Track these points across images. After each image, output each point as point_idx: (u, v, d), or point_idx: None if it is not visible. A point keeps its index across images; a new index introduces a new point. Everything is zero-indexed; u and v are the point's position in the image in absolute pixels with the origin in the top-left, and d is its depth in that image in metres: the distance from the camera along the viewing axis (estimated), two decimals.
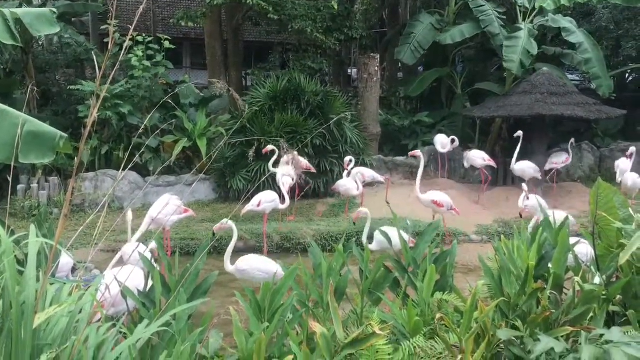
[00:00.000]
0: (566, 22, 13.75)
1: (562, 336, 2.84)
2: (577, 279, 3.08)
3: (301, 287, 3.68)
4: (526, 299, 3.02)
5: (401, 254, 3.99)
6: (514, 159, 11.78)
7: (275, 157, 10.26)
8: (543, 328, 2.95)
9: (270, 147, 10.21)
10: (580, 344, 2.70)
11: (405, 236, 6.51)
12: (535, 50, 13.00)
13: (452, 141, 12.89)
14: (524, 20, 14.04)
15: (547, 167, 12.95)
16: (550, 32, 15.22)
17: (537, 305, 3.09)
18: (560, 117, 12.31)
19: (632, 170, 11.58)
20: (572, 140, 13.21)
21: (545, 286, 3.02)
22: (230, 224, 6.13)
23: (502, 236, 3.65)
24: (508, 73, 13.99)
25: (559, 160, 12.97)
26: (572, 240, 3.89)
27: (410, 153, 10.72)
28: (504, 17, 13.97)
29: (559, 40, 15.30)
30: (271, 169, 10.21)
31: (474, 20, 13.86)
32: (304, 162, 10.58)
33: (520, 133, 11.95)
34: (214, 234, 6.48)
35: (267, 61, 15.63)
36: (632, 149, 12.24)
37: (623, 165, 11.81)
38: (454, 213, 9.37)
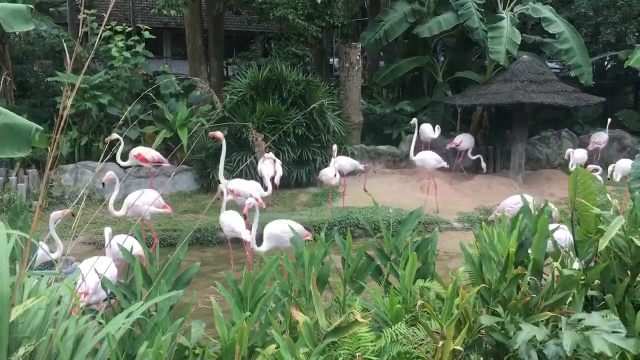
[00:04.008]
0: (546, 11, 13.81)
1: (541, 321, 2.88)
2: (556, 264, 3.11)
3: (283, 277, 3.67)
4: (506, 285, 3.04)
5: (383, 243, 4.01)
6: (412, 150, 11.38)
7: (121, 149, 9.52)
8: (523, 313, 2.98)
9: (114, 135, 9.39)
10: (560, 328, 2.74)
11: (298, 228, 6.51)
12: (518, 39, 13.06)
13: (437, 128, 12.96)
14: (504, 8, 14.09)
15: (591, 147, 13.34)
16: (530, 20, 15.30)
17: (517, 291, 3.12)
18: (540, 104, 12.42)
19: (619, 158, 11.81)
20: (610, 120, 13.45)
21: (525, 272, 3.05)
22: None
23: (483, 223, 3.67)
24: (489, 61, 14.05)
25: (601, 140, 13.45)
26: (551, 226, 3.93)
27: (211, 134, 9.44)
28: (483, 1, 13.97)
29: (539, 28, 15.38)
30: (119, 161, 9.61)
31: (453, 11, 13.85)
32: (156, 154, 9.95)
33: (414, 120, 11.90)
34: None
35: (249, 50, 15.52)
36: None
37: (578, 154, 11.93)
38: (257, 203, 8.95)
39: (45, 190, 9.42)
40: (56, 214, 5.73)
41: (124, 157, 9.81)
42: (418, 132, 11.70)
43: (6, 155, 2.80)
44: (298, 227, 6.66)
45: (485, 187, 12.54)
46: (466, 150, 13.14)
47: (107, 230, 5.79)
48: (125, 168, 10.14)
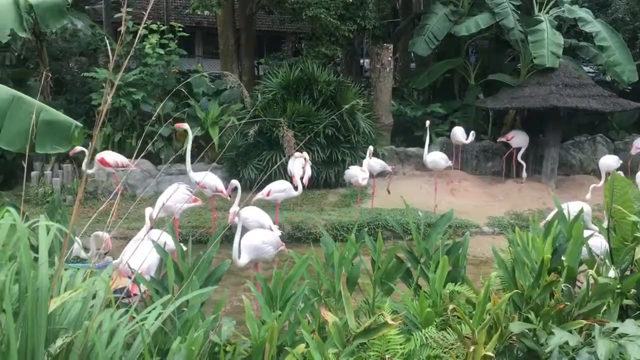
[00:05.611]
0: (582, 12, 13.60)
1: (575, 329, 2.83)
2: (592, 272, 3.06)
3: (312, 277, 3.68)
4: (540, 291, 3.00)
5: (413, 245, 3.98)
6: (425, 151, 11.37)
7: (86, 159, 9.10)
8: (556, 321, 2.94)
9: (78, 148, 9.02)
10: (593, 337, 2.69)
11: (274, 238, 6.28)
12: (561, 40, 12.82)
13: (472, 134, 12.75)
14: (539, 11, 13.90)
15: (633, 152, 13.18)
16: (566, 23, 15.05)
17: (550, 298, 3.08)
18: (575, 109, 12.20)
19: None
20: None
21: (560, 279, 3.00)
22: None
23: (517, 228, 3.62)
24: (523, 64, 13.88)
25: None
26: (586, 232, 3.86)
27: (176, 125, 9.27)
28: (519, 2, 13.81)
29: (574, 31, 15.13)
30: (85, 169, 9.38)
31: (489, 11, 13.74)
32: (120, 158, 9.82)
33: (428, 123, 11.77)
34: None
35: (280, 50, 15.59)
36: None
37: (609, 161, 11.59)
38: (222, 195, 8.86)
39: (83, 185, 9.51)
40: (97, 236, 5.54)
41: (90, 165, 9.61)
42: (430, 136, 11.61)
43: (46, 151, 2.86)
44: (274, 238, 6.39)
45: (516, 191, 12.38)
46: (518, 149, 12.94)
47: (148, 210, 5.73)
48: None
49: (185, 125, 8.68)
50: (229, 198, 8.92)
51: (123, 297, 3.03)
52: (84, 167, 9.56)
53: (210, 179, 8.84)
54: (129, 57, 2.64)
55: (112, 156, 9.76)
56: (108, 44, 2.74)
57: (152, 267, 4.92)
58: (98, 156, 9.70)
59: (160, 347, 2.76)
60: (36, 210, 9.65)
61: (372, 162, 10.66)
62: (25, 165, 3.08)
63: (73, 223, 2.34)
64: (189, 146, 8.75)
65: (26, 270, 2.14)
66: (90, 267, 3.14)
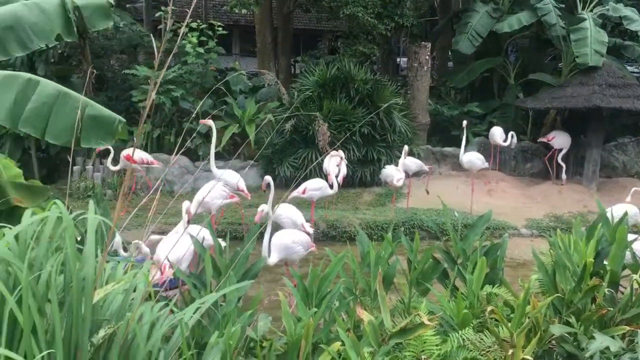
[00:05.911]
0: (627, 11, 13.24)
1: (617, 335, 2.76)
2: (636, 276, 2.98)
3: (348, 275, 3.68)
4: (581, 295, 2.94)
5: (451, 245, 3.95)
6: (462, 151, 11.16)
7: (111, 156, 9.61)
8: (598, 326, 2.87)
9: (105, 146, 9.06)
10: (636, 343, 2.63)
11: (304, 238, 6.19)
12: (605, 38, 12.48)
13: (511, 136, 12.52)
14: (583, 9, 13.58)
15: None
16: (610, 22, 14.68)
17: (592, 303, 3.01)
18: (619, 109, 11.88)
19: None
20: None
21: (603, 283, 2.94)
22: None
23: (558, 231, 3.55)
24: (564, 64, 13.58)
25: None
26: (630, 237, 3.77)
27: (201, 121, 9.28)
28: (562, 5, 13.55)
29: (619, 30, 14.73)
30: (110, 166, 9.67)
31: (530, 8, 13.51)
32: (145, 156, 9.97)
33: (465, 123, 11.55)
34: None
35: (317, 48, 15.60)
36: None
37: None
38: (243, 194, 8.86)
39: (127, 180, 9.76)
40: (137, 243, 5.69)
41: (115, 162, 9.86)
42: (467, 136, 11.46)
43: (91, 146, 2.94)
44: (304, 238, 6.31)
45: (556, 193, 12.14)
46: (559, 150, 12.68)
47: (186, 204, 5.80)
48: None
49: (210, 122, 8.76)
50: (249, 197, 9.00)
51: (162, 291, 3.08)
52: (107, 163, 9.89)
53: (231, 177, 8.87)
54: (171, 55, 2.68)
55: (137, 153, 9.99)
56: (153, 40, 2.79)
57: (185, 258, 5.01)
58: (124, 152, 9.95)
59: (197, 340, 2.80)
60: (78, 204, 9.89)
61: (408, 162, 10.59)
62: (70, 160, 3.16)
63: (117, 215, 2.40)
64: (213, 143, 8.85)
65: (71, 261, 2.19)
66: (131, 260, 3.21)
